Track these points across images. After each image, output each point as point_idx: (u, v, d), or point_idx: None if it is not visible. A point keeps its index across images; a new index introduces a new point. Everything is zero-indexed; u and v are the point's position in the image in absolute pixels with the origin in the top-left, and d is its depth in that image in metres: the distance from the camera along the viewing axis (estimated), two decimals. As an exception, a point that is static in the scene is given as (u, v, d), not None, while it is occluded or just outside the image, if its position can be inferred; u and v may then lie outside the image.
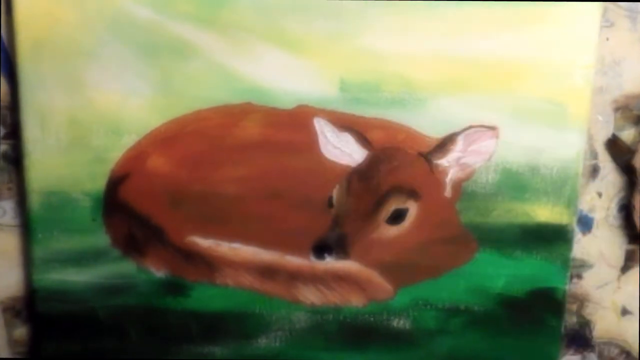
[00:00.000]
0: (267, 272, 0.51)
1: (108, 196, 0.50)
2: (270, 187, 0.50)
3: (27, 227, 0.50)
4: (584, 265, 0.55)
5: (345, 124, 0.49)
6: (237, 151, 0.49)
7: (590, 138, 0.52)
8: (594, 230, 0.55)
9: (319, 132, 0.49)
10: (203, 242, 0.51)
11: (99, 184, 0.49)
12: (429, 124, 0.49)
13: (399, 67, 0.48)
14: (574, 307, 0.56)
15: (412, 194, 0.50)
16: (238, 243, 0.51)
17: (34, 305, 0.52)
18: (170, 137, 0.49)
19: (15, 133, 0.50)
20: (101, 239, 0.50)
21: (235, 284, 0.51)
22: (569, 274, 0.52)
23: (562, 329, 0.53)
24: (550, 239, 0.51)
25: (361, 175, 0.50)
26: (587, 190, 0.54)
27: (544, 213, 0.50)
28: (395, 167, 0.50)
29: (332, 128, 0.49)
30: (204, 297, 0.52)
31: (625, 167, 0.53)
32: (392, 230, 0.50)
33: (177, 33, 0.47)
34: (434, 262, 0.51)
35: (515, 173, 0.50)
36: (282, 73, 0.48)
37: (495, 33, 0.47)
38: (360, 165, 0.50)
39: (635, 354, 0.57)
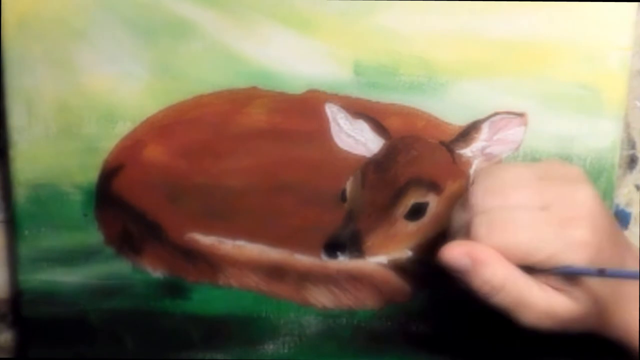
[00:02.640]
0: (275, 272, 0.49)
1: (101, 189, 0.48)
2: (278, 179, 0.48)
3: (12, 222, 0.49)
4: (620, 264, 0.53)
5: (360, 110, 0.47)
6: (241, 140, 0.48)
7: (627, 126, 0.50)
8: (631, 226, 0.53)
9: (331, 119, 0.47)
10: (204, 240, 0.49)
11: (91, 176, 0.48)
12: (451, 110, 0.47)
13: (418, 48, 0.46)
14: (610, 309, 0.54)
15: (433, 186, 0.48)
16: (243, 240, 0.49)
17: (19, 309, 0.50)
18: (169, 125, 0.47)
19: (-1, 120, 0.48)
20: (93, 236, 0.49)
21: (239, 285, 0.50)
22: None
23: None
24: (584, 235, 0.49)
25: (377, 167, 0.48)
26: (623, 182, 0.52)
27: (577, 207, 0.49)
28: (415, 158, 0.48)
29: (346, 115, 0.47)
30: (206, 300, 0.50)
31: (665, 157, 0.51)
32: (411, 227, 0.48)
33: (177, 11, 0.45)
34: (457, 262, 0.49)
35: (545, 164, 0.48)
36: (290, 55, 0.46)
37: (523, 11, 0.45)
38: (376, 155, 0.48)
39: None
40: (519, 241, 0.36)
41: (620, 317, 0.38)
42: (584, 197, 0.36)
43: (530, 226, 0.36)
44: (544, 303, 0.36)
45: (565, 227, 0.35)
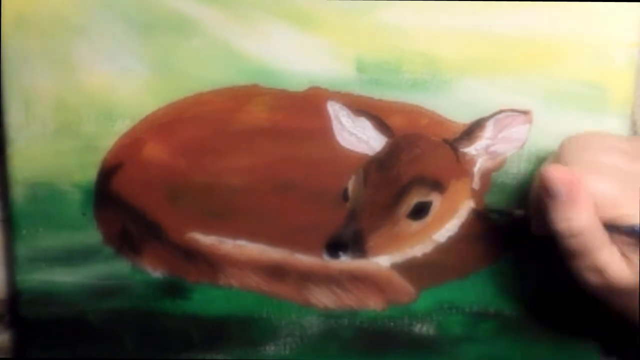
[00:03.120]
0: (276, 272, 0.49)
1: (100, 188, 0.48)
2: (279, 178, 0.48)
3: (9, 222, 0.48)
4: (626, 264, 0.52)
5: (362, 108, 0.47)
6: (242, 138, 0.47)
7: (633, 124, 0.49)
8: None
9: (333, 117, 0.47)
10: (205, 239, 0.49)
11: (90, 174, 0.47)
12: (454, 108, 0.47)
13: (421, 45, 0.46)
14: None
15: (437, 185, 0.47)
16: (243, 240, 0.49)
17: (17, 309, 0.50)
18: (169, 123, 0.47)
19: (-4, 118, 0.47)
20: (92, 235, 0.48)
21: (240, 285, 0.49)
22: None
23: (603, 335, 0.51)
24: (590, 235, 0.49)
25: (380, 165, 0.47)
26: (630, 181, 0.51)
27: (583, 207, 0.48)
28: (418, 156, 0.47)
29: (348, 112, 0.47)
30: (206, 300, 0.50)
31: (672, 156, 0.50)
32: (414, 226, 0.48)
33: (177, 7, 0.45)
34: (461, 262, 0.49)
35: (550, 162, 0.47)
36: (292, 52, 0.46)
37: (528, 7, 0.45)
38: (378, 153, 0.47)
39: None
40: (601, 191, 0.36)
41: None
42: None
43: (614, 181, 0.37)
44: (602, 261, 0.37)
45: None
